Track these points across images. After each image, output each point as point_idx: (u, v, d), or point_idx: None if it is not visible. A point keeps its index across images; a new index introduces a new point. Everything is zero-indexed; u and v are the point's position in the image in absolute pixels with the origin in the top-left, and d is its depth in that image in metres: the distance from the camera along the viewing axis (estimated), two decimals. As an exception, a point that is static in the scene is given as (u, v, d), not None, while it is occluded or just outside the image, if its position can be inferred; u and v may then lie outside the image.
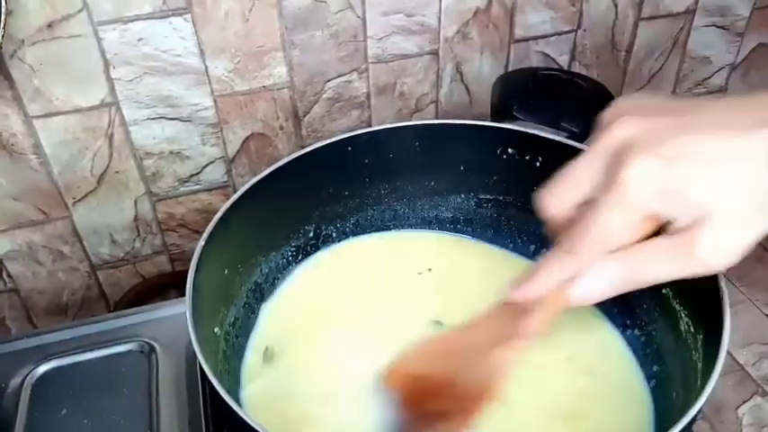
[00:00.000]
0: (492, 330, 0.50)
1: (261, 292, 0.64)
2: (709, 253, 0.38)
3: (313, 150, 0.61)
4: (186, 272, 0.51)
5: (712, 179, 0.37)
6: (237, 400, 0.56)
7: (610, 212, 0.39)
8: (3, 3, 0.66)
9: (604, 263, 0.41)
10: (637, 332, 0.61)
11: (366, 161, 0.65)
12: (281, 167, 0.60)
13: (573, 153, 0.60)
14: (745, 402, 0.95)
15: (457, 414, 0.51)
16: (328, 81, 0.88)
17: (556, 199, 0.43)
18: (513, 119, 0.71)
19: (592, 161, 0.41)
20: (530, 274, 0.45)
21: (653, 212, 0.39)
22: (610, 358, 0.60)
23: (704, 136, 0.38)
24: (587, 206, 0.41)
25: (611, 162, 0.39)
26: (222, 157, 0.89)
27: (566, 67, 1.00)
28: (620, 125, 0.40)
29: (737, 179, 0.37)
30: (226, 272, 0.58)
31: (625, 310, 0.62)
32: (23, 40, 0.72)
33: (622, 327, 0.62)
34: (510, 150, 0.64)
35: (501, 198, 0.68)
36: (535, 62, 0.98)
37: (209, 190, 0.92)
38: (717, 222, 0.37)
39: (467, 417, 0.51)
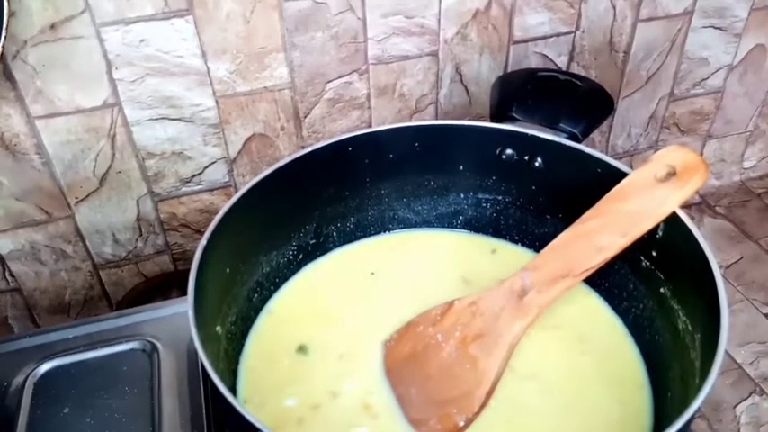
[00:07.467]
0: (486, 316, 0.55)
1: (262, 291, 0.64)
2: None
3: (314, 151, 0.62)
4: (188, 271, 0.51)
5: None
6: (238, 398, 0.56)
7: None
8: (5, 4, 0.66)
9: None
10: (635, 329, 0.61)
11: (366, 161, 0.66)
12: (282, 168, 0.60)
13: (571, 153, 0.62)
14: (742, 401, 0.96)
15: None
16: (329, 82, 0.89)
17: None
18: (511, 119, 0.71)
19: None
20: None
21: None
22: (612, 352, 0.60)
23: None
24: None
25: None
26: (224, 158, 0.90)
27: (564, 68, 1.01)
28: None
29: None
30: (227, 271, 0.58)
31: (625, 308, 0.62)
32: (26, 42, 0.72)
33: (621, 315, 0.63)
34: (509, 151, 0.65)
35: (500, 198, 0.68)
36: (534, 63, 0.98)
37: (211, 190, 0.92)
38: None
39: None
